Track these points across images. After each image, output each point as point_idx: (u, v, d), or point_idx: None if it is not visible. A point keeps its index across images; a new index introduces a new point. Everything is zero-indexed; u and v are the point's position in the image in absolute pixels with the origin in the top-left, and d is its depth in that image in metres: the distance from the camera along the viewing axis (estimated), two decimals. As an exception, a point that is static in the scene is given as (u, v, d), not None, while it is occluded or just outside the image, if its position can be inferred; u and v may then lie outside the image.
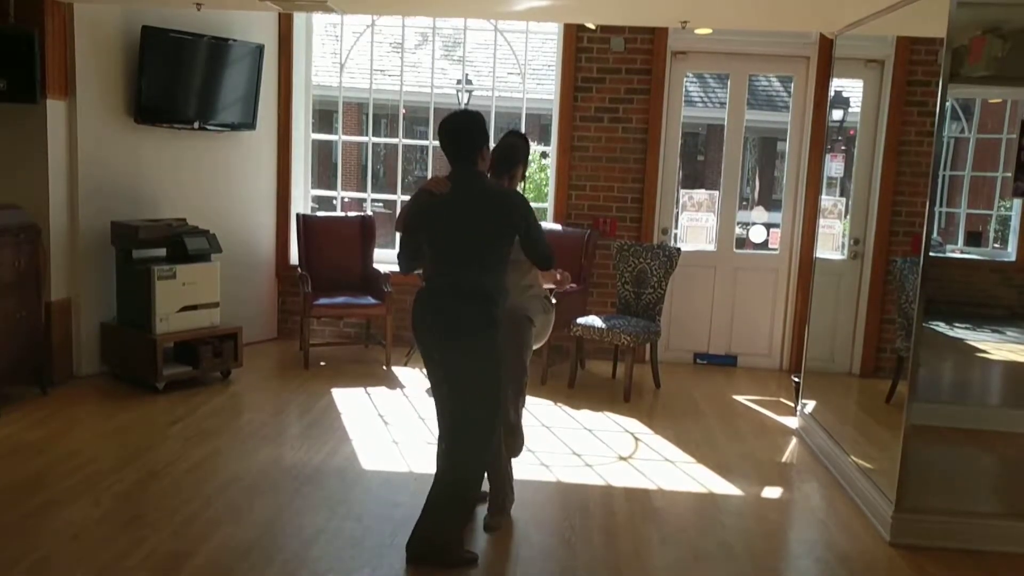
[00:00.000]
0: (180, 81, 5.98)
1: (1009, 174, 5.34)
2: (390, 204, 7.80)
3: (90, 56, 5.61)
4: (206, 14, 5.72)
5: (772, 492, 4.44)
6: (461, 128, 3.42)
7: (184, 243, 5.64)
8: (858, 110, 6.50)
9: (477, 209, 3.38)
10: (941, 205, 5.83)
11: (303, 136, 7.14)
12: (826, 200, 6.36)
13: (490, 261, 3.39)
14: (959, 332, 5.47)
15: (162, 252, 5.65)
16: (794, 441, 5.26)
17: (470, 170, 3.42)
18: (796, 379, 5.71)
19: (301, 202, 7.18)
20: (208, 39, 6.02)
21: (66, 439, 4.69)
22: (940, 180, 5.37)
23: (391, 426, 5.11)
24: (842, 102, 6.72)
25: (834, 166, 6.67)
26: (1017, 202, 5.50)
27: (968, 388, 5.73)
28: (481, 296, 3.35)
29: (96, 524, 3.66)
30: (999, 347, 5.63)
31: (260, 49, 6.37)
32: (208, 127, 6.23)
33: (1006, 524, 3.88)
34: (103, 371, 5.86)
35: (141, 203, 5.98)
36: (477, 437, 3.42)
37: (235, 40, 6.20)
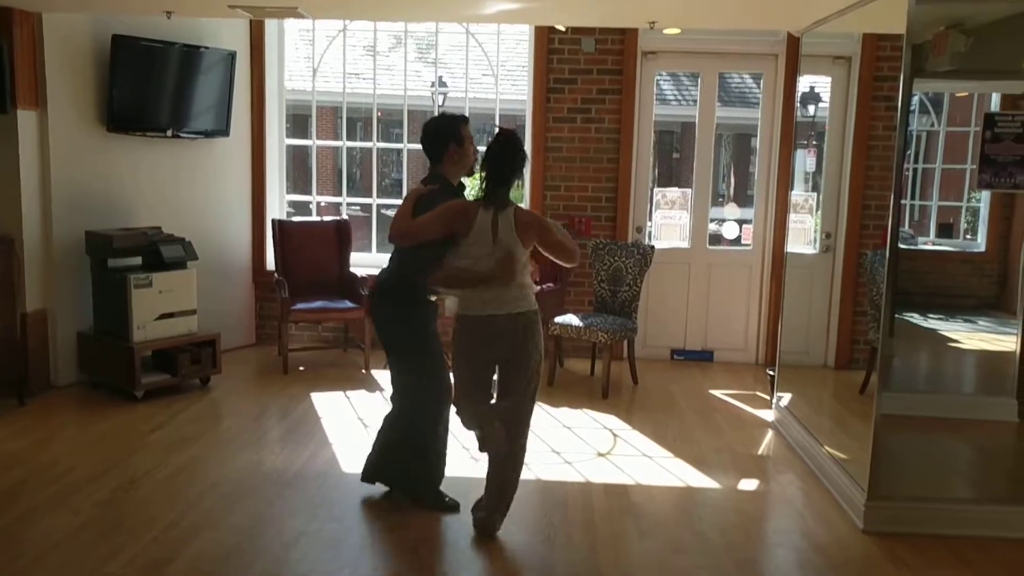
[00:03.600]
0: (152, 89, 5.97)
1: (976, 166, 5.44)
2: (367, 208, 7.82)
3: (60, 65, 5.59)
4: (177, 22, 5.72)
5: (748, 484, 4.50)
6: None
7: (160, 251, 5.63)
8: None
9: None
10: (913, 198, 5.92)
11: (277, 141, 7.15)
12: (797, 195, 6.45)
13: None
14: (932, 323, 5.56)
15: (138, 260, 5.64)
16: (770, 434, 5.34)
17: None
18: (771, 372, 5.79)
19: (276, 207, 7.18)
20: (179, 47, 6.02)
21: (45, 449, 4.68)
22: (910, 173, 5.46)
23: (370, 429, 5.12)
24: (813, 98, 6.81)
25: (808, 161, 6.75)
26: (986, 194, 5.59)
27: (941, 377, 5.82)
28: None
29: (77, 532, 3.66)
30: (970, 336, 5.72)
31: (232, 56, 6.37)
32: (181, 135, 6.23)
33: (975, 509, 3.97)
34: (81, 380, 5.84)
35: (115, 212, 5.96)
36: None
37: (207, 47, 6.20)
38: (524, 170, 3.73)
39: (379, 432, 4.12)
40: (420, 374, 3.93)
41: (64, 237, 5.68)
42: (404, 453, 4.03)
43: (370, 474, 4.13)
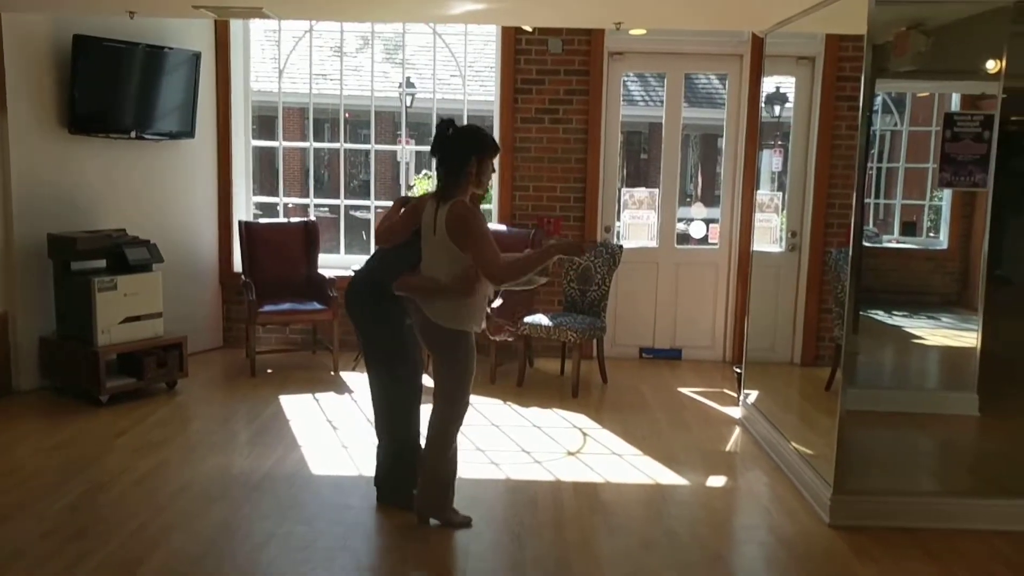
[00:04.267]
0: (115, 90, 5.90)
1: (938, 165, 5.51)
2: (335, 209, 7.78)
3: (20, 66, 5.50)
4: (140, 22, 5.66)
5: (717, 481, 4.54)
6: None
7: (124, 254, 5.56)
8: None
9: None
10: (877, 197, 5.99)
11: (243, 143, 7.09)
12: (763, 194, 6.51)
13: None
14: (896, 320, 5.63)
15: (102, 263, 5.58)
16: (737, 430, 5.39)
17: None
18: (738, 370, 5.84)
19: (243, 209, 7.12)
20: (143, 47, 5.95)
21: (7, 456, 4.60)
22: (874, 172, 5.53)
23: (340, 431, 5.11)
24: (778, 98, 6.88)
25: (774, 161, 6.82)
26: (948, 192, 5.68)
27: (904, 373, 5.90)
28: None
29: (40, 539, 3.61)
30: (934, 333, 5.80)
31: (197, 56, 6.31)
32: (146, 136, 6.16)
33: (939, 501, 4.03)
34: (44, 386, 5.75)
35: (79, 214, 5.88)
36: None
37: (171, 48, 6.14)
38: (468, 160, 3.45)
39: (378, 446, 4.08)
40: (396, 373, 3.92)
41: (25, 239, 5.59)
42: (385, 454, 4.01)
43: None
